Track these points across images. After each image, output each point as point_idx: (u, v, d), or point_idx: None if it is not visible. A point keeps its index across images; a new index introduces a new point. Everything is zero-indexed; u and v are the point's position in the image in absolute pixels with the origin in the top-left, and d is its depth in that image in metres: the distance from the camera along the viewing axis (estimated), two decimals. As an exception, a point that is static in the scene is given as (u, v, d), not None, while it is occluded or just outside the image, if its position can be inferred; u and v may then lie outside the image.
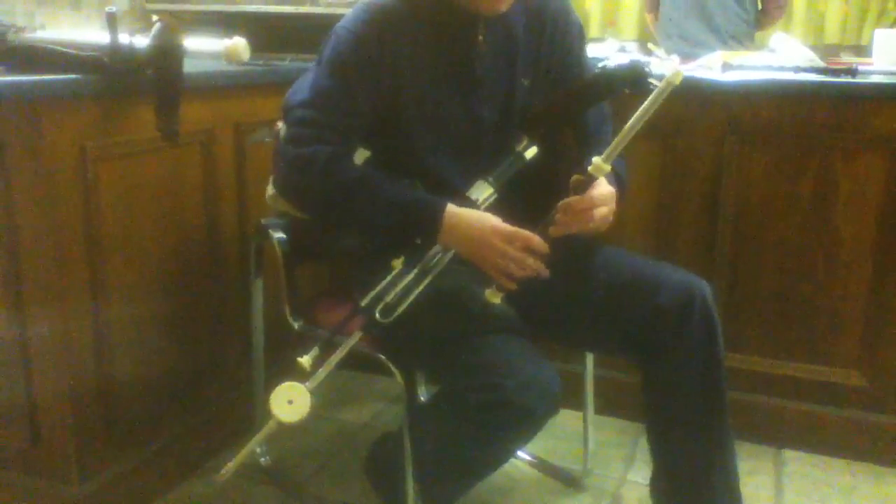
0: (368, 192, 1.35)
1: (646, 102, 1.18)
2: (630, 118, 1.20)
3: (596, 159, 1.25)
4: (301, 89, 1.41)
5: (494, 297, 1.31)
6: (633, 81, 1.33)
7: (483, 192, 1.37)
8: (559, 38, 1.49)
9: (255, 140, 1.82)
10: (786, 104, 1.90)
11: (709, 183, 1.99)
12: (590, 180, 1.27)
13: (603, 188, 1.32)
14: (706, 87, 1.93)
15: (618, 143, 1.22)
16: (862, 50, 3.54)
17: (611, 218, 1.36)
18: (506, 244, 1.28)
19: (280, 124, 1.49)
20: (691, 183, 2.00)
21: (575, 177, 1.28)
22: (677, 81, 1.15)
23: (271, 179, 1.54)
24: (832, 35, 3.72)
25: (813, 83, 1.90)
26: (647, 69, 1.34)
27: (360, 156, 1.47)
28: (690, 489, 1.47)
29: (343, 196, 1.36)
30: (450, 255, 1.33)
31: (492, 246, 1.29)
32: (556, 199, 1.30)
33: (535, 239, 1.28)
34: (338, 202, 1.37)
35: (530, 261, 1.28)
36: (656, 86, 1.18)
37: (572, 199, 1.28)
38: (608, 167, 1.25)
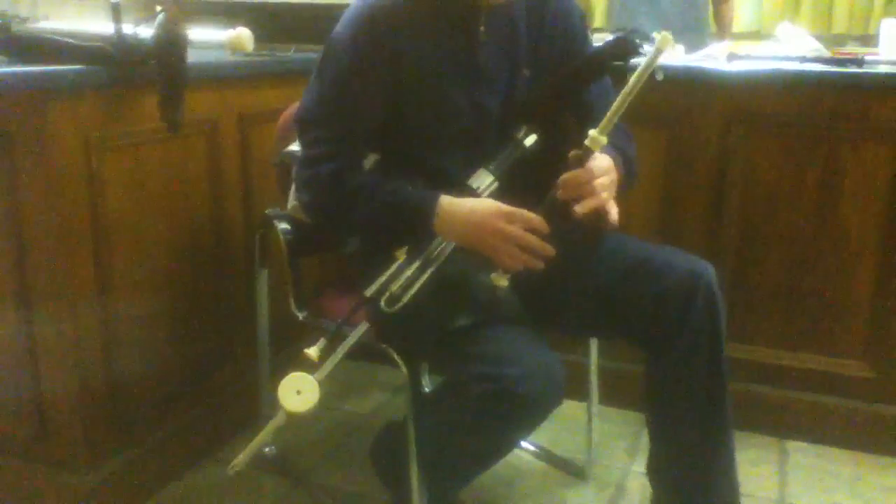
0: (365, 199, 1.36)
1: (637, 70, 1.18)
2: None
3: (592, 132, 1.24)
4: (308, 105, 1.43)
5: (501, 281, 1.30)
6: (622, 54, 1.33)
7: (484, 180, 1.36)
8: (561, 27, 1.48)
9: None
10: (791, 94, 1.89)
11: (714, 173, 1.98)
12: (587, 154, 1.26)
13: (601, 160, 1.31)
14: (712, 78, 1.92)
15: (612, 114, 1.21)
16: (869, 40, 3.52)
17: (615, 188, 1.34)
18: (506, 224, 1.27)
19: (293, 147, 1.54)
20: (697, 173, 2.00)
21: (573, 152, 1.27)
22: (665, 47, 1.14)
23: (292, 192, 1.56)
24: (839, 25, 3.70)
25: (819, 73, 1.89)
26: (635, 41, 1.33)
27: (370, 157, 1.48)
28: (688, 472, 1.46)
29: (346, 208, 1.39)
30: (452, 244, 1.33)
31: (492, 228, 1.28)
32: None
33: (536, 218, 1.27)
34: (343, 214, 1.40)
35: (533, 239, 1.27)
36: (645, 54, 1.18)
37: (571, 173, 1.28)
38: (604, 139, 1.24)
